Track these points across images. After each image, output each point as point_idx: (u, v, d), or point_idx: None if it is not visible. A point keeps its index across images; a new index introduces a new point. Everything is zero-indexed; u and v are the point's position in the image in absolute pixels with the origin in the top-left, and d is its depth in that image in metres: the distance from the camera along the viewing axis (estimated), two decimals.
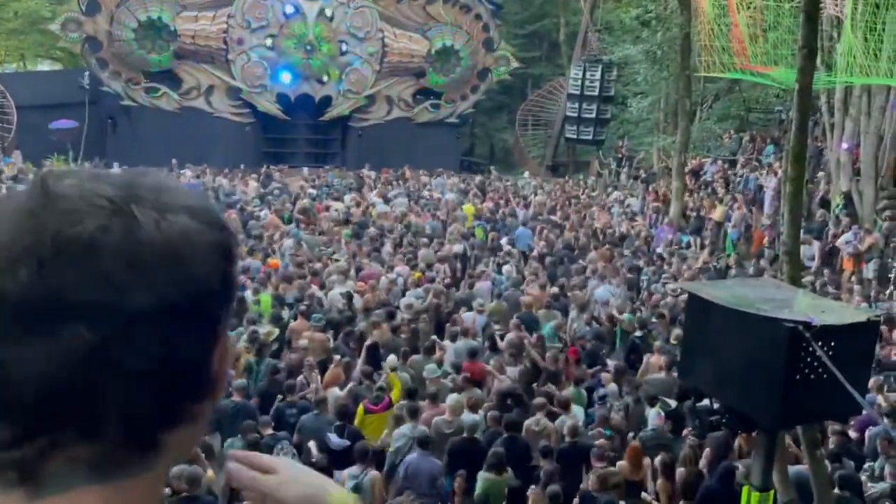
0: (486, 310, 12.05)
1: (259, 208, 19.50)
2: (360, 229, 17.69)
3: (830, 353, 3.35)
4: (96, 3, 25.83)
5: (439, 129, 30.38)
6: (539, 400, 8.58)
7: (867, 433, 8.30)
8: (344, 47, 28.55)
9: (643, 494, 7.41)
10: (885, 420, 8.18)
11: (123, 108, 26.85)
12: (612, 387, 9.50)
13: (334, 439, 7.83)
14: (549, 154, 34.18)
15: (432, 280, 13.25)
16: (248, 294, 11.79)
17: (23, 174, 21.18)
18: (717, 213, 19.00)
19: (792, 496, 6.17)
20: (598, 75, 29.36)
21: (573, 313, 12.15)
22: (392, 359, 9.49)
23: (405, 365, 9.68)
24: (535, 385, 9.55)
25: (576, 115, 30.05)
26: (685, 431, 8.06)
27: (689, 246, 18.10)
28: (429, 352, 10.15)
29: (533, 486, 6.99)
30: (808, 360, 3.39)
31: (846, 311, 4.14)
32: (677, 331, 10.88)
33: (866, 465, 7.77)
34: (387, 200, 21.35)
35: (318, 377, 9.35)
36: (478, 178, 27.69)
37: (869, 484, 7.38)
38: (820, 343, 3.35)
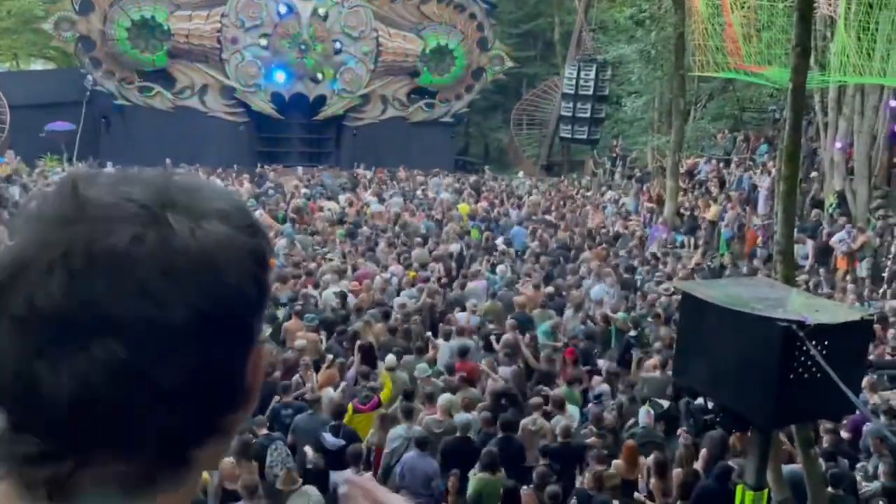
0: (481, 310, 12.04)
1: (253, 208, 19.46)
2: (354, 229, 17.70)
3: (824, 352, 3.35)
4: (90, 2, 25.76)
5: (434, 129, 30.37)
6: (535, 399, 8.58)
7: (864, 430, 8.31)
8: (338, 46, 28.55)
9: (635, 494, 7.43)
10: (882, 418, 8.20)
11: (117, 107, 26.78)
12: (605, 387, 9.50)
13: (329, 439, 7.82)
14: (543, 153, 34.22)
15: (427, 279, 13.23)
16: None
17: (17, 175, 21.09)
18: (711, 213, 19.04)
19: (786, 495, 6.18)
20: (592, 75, 29.37)
21: (569, 313, 12.15)
22: (391, 358, 9.49)
23: (401, 365, 9.65)
24: (528, 384, 9.55)
25: (570, 114, 30.06)
26: (679, 430, 8.07)
27: (683, 245, 18.14)
28: (420, 352, 10.13)
29: (525, 487, 6.98)
30: (802, 359, 3.38)
31: (840, 310, 4.14)
32: (664, 329, 10.93)
33: (859, 465, 7.79)
34: (382, 200, 21.35)
35: (315, 377, 9.33)
36: (472, 178, 27.70)
37: (863, 483, 7.40)
38: (814, 342, 3.34)
